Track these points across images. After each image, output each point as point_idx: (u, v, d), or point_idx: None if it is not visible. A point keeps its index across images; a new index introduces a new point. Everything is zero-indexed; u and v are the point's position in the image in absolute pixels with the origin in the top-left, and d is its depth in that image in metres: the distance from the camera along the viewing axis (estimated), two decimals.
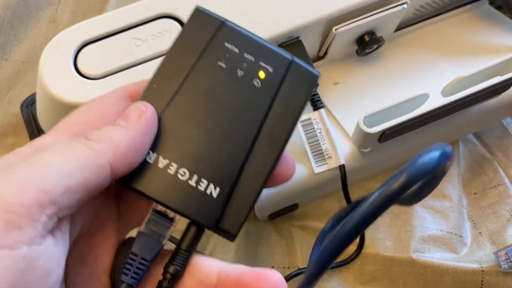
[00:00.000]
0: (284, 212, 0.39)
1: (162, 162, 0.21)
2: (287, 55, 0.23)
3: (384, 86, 0.39)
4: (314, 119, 0.36)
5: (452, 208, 0.39)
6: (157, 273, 0.21)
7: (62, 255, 0.18)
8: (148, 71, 0.32)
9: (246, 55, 0.22)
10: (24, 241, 0.16)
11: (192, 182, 0.21)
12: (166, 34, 0.33)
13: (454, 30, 0.42)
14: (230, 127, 0.22)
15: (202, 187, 0.21)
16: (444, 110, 0.33)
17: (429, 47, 0.41)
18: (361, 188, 0.40)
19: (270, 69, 0.22)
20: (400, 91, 0.39)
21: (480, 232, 0.39)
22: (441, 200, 0.40)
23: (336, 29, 0.36)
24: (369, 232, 0.38)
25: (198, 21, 0.23)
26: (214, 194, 0.21)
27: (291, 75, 0.22)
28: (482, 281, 0.35)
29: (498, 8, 0.43)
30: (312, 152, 0.36)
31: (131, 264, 0.20)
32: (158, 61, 0.32)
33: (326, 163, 0.35)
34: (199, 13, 0.23)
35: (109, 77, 0.32)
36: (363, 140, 0.33)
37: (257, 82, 0.22)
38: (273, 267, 0.38)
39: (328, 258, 0.18)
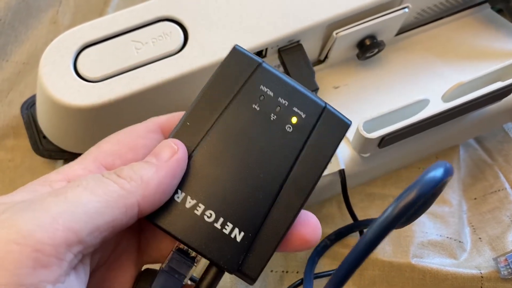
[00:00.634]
0: None
1: (189, 202, 0.21)
2: (321, 101, 0.23)
3: (385, 91, 0.39)
4: None
5: (452, 213, 0.39)
6: None
7: (82, 287, 0.18)
8: (148, 74, 0.32)
9: (280, 99, 0.22)
10: (49, 280, 0.16)
11: (218, 225, 0.21)
12: (167, 37, 0.33)
13: (455, 34, 0.42)
14: (259, 171, 0.22)
15: (227, 230, 0.21)
16: (444, 116, 0.33)
17: (430, 51, 0.41)
18: (360, 192, 0.40)
19: (303, 115, 0.22)
20: (401, 95, 0.38)
21: (480, 238, 0.38)
22: (441, 205, 0.39)
23: (336, 33, 0.35)
24: None
25: (235, 61, 0.23)
26: (238, 238, 0.21)
27: (323, 122, 0.23)
28: (481, 287, 0.35)
29: (499, 12, 0.43)
30: None
31: None
32: (158, 64, 0.33)
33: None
34: (236, 52, 0.23)
35: (109, 79, 0.32)
36: (363, 145, 0.33)
37: (289, 128, 0.22)
38: (271, 271, 0.38)
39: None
